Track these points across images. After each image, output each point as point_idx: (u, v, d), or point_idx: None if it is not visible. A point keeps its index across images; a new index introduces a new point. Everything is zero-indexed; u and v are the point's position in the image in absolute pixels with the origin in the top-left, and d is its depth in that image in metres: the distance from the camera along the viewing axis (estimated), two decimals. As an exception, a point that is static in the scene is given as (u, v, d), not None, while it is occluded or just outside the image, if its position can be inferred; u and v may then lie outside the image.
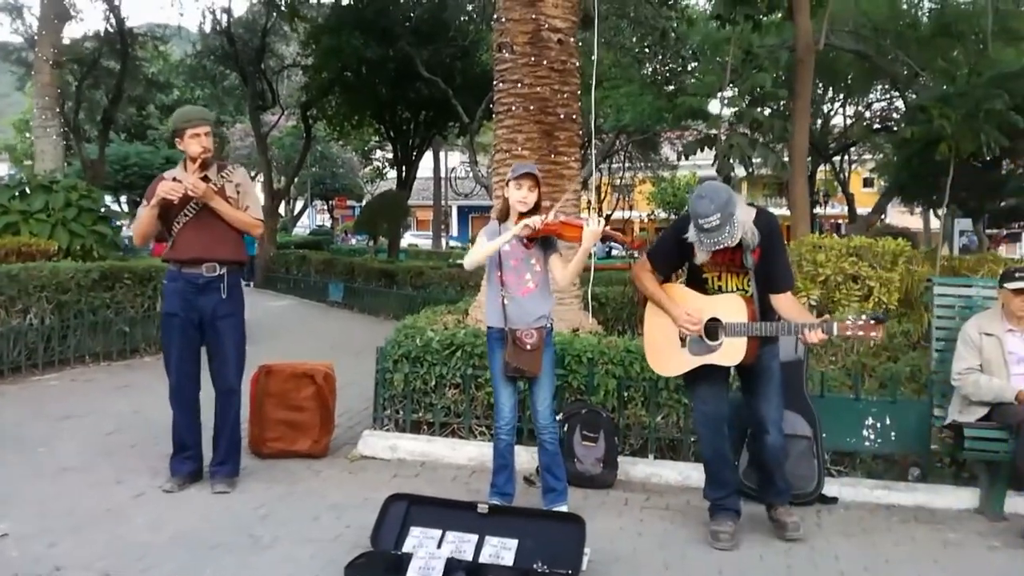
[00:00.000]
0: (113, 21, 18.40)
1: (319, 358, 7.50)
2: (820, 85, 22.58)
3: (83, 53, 18.88)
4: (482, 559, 3.32)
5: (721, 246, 3.55)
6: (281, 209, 35.49)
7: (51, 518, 3.84)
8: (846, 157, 28.42)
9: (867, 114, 24.66)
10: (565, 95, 5.95)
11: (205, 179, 4.25)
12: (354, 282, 15.00)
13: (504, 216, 4.05)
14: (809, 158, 24.28)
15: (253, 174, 27.97)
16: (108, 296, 8.19)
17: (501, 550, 3.35)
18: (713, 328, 3.69)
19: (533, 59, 5.84)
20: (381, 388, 5.31)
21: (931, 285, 4.86)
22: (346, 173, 36.00)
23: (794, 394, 4.48)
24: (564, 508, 3.96)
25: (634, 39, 15.82)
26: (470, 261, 4.07)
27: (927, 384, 4.80)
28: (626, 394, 4.93)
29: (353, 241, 29.88)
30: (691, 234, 3.63)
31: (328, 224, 41.72)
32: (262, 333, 11.02)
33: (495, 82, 6.13)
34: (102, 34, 18.80)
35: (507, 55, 5.96)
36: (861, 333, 3.50)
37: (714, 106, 11.51)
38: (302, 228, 38.23)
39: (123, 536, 3.65)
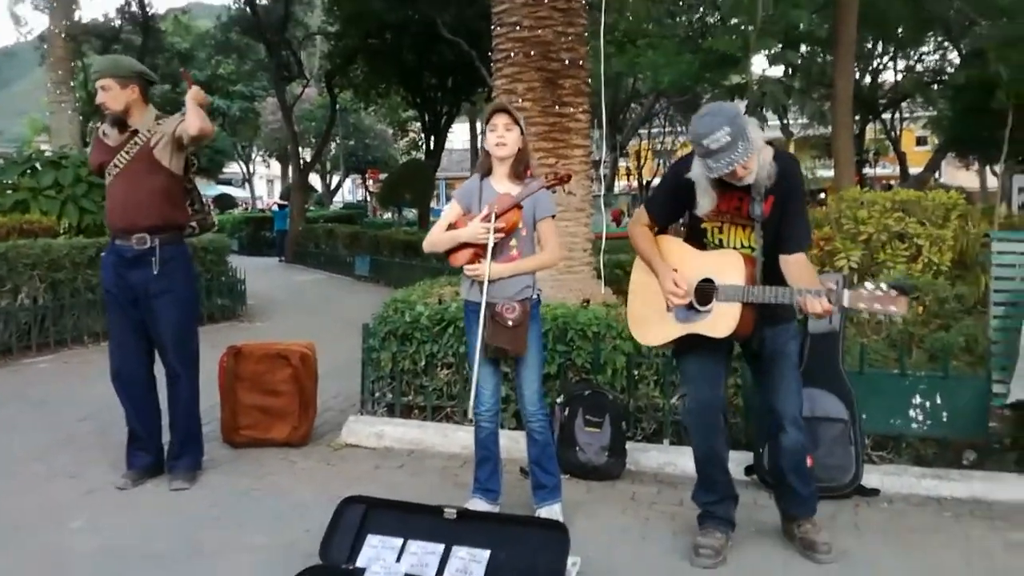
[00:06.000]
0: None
1: (328, 334, 7.14)
2: (869, 38, 21.45)
3: (103, 28, 18.58)
4: (447, 573, 2.82)
5: (735, 166, 2.80)
6: (317, 183, 35.37)
7: (-20, 521, 3.44)
8: (897, 114, 27.17)
9: (919, 67, 23.43)
10: (570, 38, 5.32)
11: (134, 133, 3.76)
12: (380, 255, 14.67)
13: (487, 170, 3.49)
14: (857, 116, 23.22)
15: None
16: (106, 273, 7.83)
17: (470, 563, 2.84)
18: (706, 291, 3.01)
19: (533, -2, 5.23)
20: (368, 369, 4.82)
21: (989, 241, 4.19)
22: (379, 145, 35.50)
23: (828, 371, 3.91)
24: (556, 507, 3.44)
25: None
26: (429, 243, 3.46)
27: (985, 356, 4.15)
28: (637, 372, 4.36)
29: (388, 215, 29.45)
30: (694, 170, 2.95)
31: (363, 197, 41.42)
32: (278, 310, 10.71)
33: (492, 26, 5.52)
34: (123, 8, 18.48)
35: (504, -5, 5.35)
36: (878, 306, 2.69)
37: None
38: (339, 202, 37.97)
39: (48, 544, 3.22)
